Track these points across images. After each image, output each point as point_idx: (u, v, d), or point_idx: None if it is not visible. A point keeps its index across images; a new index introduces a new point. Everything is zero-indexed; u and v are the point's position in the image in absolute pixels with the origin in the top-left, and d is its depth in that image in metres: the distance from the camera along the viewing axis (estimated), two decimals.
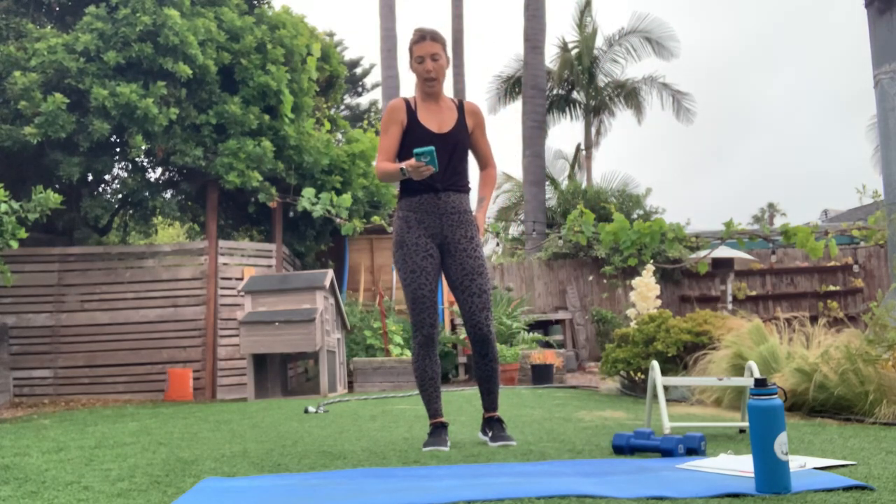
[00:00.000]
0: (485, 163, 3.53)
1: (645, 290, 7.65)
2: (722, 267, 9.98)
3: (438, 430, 3.25)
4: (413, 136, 3.27)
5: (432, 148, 3.08)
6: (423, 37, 3.28)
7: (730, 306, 10.01)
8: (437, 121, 3.32)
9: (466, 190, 3.39)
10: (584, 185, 17.56)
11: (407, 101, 3.37)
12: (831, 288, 12.19)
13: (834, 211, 21.27)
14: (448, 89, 23.05)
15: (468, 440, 3.44)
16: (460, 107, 3.40)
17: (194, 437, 3.91)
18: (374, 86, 23.31)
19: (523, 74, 16.58)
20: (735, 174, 67.61)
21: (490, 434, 3.26)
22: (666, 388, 4.55)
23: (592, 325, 11.77)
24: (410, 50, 3.31)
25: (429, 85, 3.30)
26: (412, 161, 3.08)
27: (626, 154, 53.90)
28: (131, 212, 9.82)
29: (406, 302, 3.32)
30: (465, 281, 3.28)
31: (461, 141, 3.33)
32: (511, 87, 20.54)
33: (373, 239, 10.71)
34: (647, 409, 3.62)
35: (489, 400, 3.35)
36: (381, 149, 3.32)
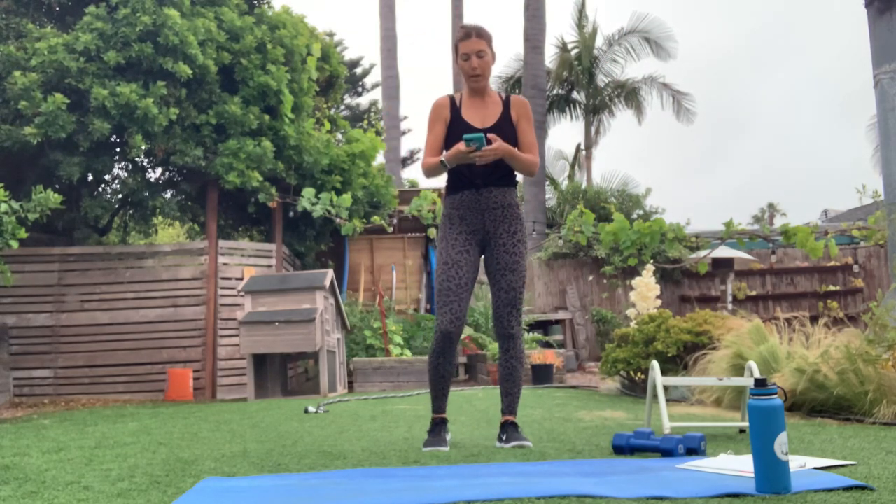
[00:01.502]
0: (527, 152, 3.42)
1: (645, 290, 7.65)
2: (722, 267, 9.99)
3: (438, 428, 3.24)
4: (456, 131, 3.25)
5: (482, 134, 3.08)
6: (469, 34, 3.28)
7: (730, 306, 10.01)
8: (481, 116, 3.31)
9: (511, 184, 3.35)
10: (584, 185, 17.56)
11: (452, 98, 3.38)
12: (831, 288, 12.19)
13: (834, 211, 21.27)
14: (448, 88, 23.04)
15: (468, 440, 3.44)
16: (506, 101, 3.38)
17: (194, 437, 3.91)
18: (374, 86, 23.31)
19: (523, 74, 16.59)
20: (735, 174, 67.63)
21: (505, 437, 3.20)
22: (666, 388, 4.55)
23: (592, 325, 11.77)
24: (456, 47, 3.31)
25: (474, 81, 3.30)
26: (460, 145, 3.09)
27: (626, 154, 53.92)
28: (131, 212, 9.81)
29: (434, 295, 3.32)
30: (496, 275, 3.28)
31: (505, 135, 3.27)
32: (511, 87, 20.54)
33: (373, 239, 10.71)
34: (647, 409, 3.62)
35: (507, 402, 3.28)
36: (426, 146, 3.34)
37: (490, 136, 3.14)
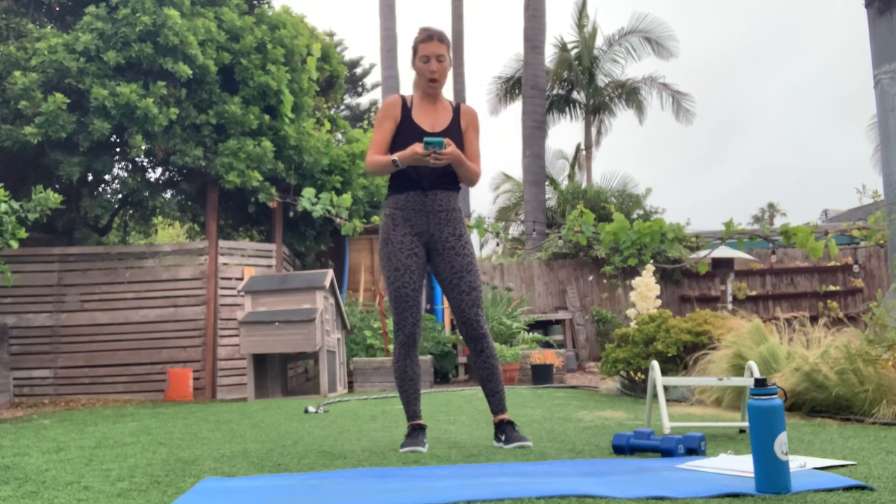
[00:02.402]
0: (472, 161, 3.45)
1: (645, 290, 7.66)
2: (722, 267, 9.98)
3: (416, 432, 3.20)
4: (405, 133, 3.26)
5: (442, 140, 3.09)
6: (431, 37, 3.28)
7: (730, 306, 10.00)
8: (431, 120, 3.31)
9: (456, 188, 3.36)
10: (584, 185, 17.56)
11: (403, 99, 3.37)
12: (831, 288, 12.19)
13: (834, 211, 21.27)
14: (448, 90, 23.01)
15: (468, 440, 3.44)
16: (456, 108, 3.39)
17: (194, 437, 3.91)
18: (374, 86, 23.30)
19: (523, 74, 16.58)
20: (735, 174, 67.62)
21: (504, 437, 3.18)
22: (666, 388, 4.55)
23: (592, 325, 11.77)
24: (415, 48, 3.31)
25: (431, 86, 3.30)
26: (417, 147, 3.09)
27: (626, 154, 53.90)
28: (131, 212, 9.82)
29: (389, 300, 3.31)
30: (454, 279, 3.26)
31: (453, 142, 3.28)
32: (511, 87, 20.54)
33: (373, 239, 10.71)
34: (647, 409, 3.62)
35: (495, 402, 3.27)
36: (373, 142, 3.31)
37: (447, 140, 3.14)
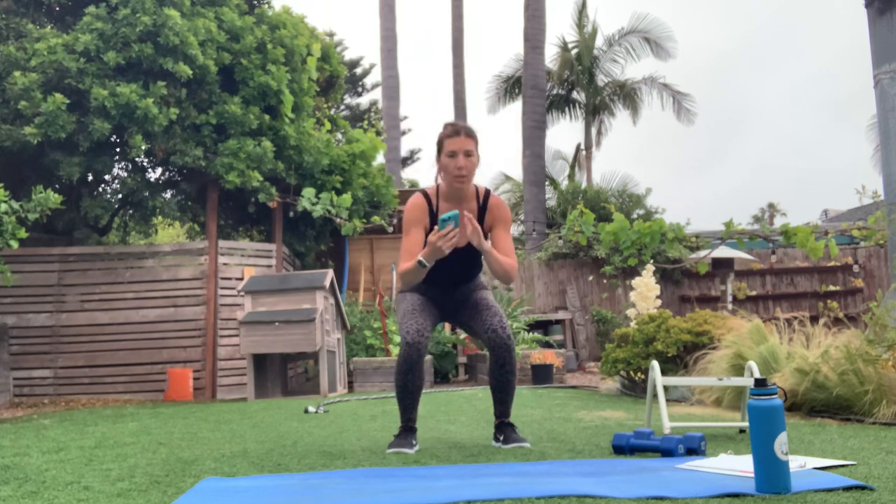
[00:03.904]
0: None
1: (645, 290, 7.66)
2: (722, 267, 9.98)
3: (406, 433, 3.19)
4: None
5: (456, 212, 2.97)
6: (458, 131, 3.15)
7: (730, 306, 10.00)
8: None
9: (478, 276, 3.36)
10: (584, 185, 17.56)
11: (428, 200, 3.22)
12: (831, 288, 12.19)
13: (834, 211, 21.28)
14: (448, 90, 22.93)
15: (468, 440, 3.44)
16: (483, 203, 3.24)
17: (194, 437, 3.91)
18: (374, 86, 23.31)
19: (523, 74, 16.59)
20: (735, 174, 67.62)
21: (503, 438, 3.20)
22: (666, 388, 4.55)
23: (592, 325, 11.77)
24: (440, 143, 3.17)
25: (459, 181, 3.14)
26: (432, 237, 2.94)
27: (626, 154, 53.92)
28: (131, 212, 9.81)
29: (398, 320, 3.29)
30: (471, 311, 3.28)
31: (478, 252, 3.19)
32: (511, 87, 20.55)
33: (373, 239, 10.71)
34: (647, 409, 3.62)
35: (501, 408, 3.27)
36: (404, 250, 3.16)
37: (463, 213, 3.02)
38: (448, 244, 2.94)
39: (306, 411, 5.22)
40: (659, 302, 7.68)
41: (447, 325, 10.10)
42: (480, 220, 3.23)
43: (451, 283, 3.28)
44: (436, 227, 2.98)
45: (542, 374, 7.96)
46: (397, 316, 3.27)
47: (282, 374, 8.03)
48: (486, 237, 3.22)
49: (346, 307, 9.24)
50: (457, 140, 3.13)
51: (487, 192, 3.28)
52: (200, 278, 8.33)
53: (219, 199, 8.66)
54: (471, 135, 3.16)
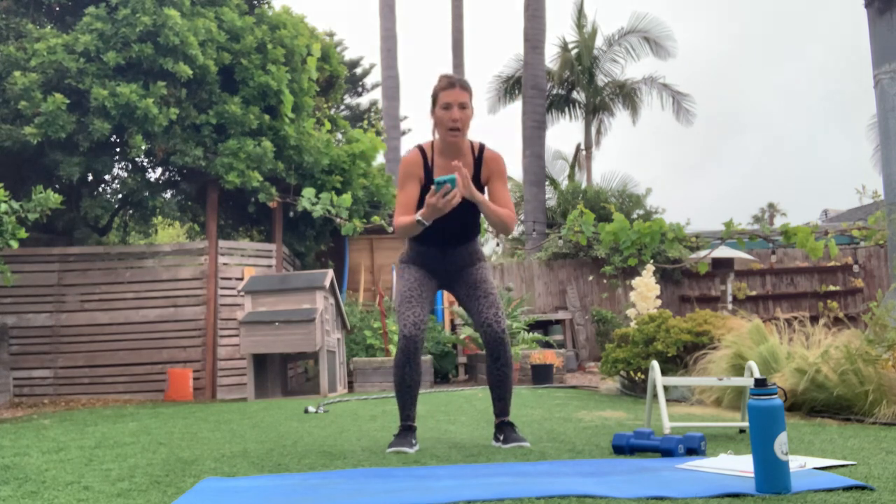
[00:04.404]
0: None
1: (645, 290, 7.65)
2: (722, 267, 9.97)
3: (405, 433, 3.19)
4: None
5: (453, 175, 2.96)
6: (452, 83, 3.15)
7: (730, 306, 10.00)
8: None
9: (475, 238, 3.35)
10: (584, 185, 17.56)
11: (423, 154, 3.23)
12: (831, 288, 12.19)
13: (834, 211, 21.28)
14: None
15: (468, 440, 3.44)
16: (479, 157, 3.25)
17: (194, 437, 3.91)
18: (374, 86, 23.30)
19: (523, 74, 16.59)
20: (735, 174, 67.59)
21: (502, 438, 3.20)
22: (666, 388, 4.55)
23: (592, 325, 11.77)
24: (435, 95, 3.17)
25: (452, 134, 3.15)
26: (430, 198, 2.95)
27: (626, 154, 53.92)
28: (131, 212, 9.81)
29: (395, 307, 3.30)
30: (469, 291, 3.28)
31: (477, 209, 3.19)
32: (511, 87, 20.54)
33: (373, 239, 10.71)
34: (647, 409, 3.62)
35: (500, 406, 3.28)
36: (399, 203, 3.18)
37: (458, 173, 2.99)
38: (448, 205, 2.96)
39: (306, 411, 5.22)
40: (659, 302, 7.68)
41: (447, 326, 10.10)
42: (476, 174, 3.24)
43: (448, 242, 3.27)
44: (432, 188, 2.98)
45: (542, 374, 7.96)
46: (395, 299, 3.29)
47: (282, 374, 8.03)
48: (482, 191, 3.24)
49: (346, 307, 9.24)
50: (451, 92, 3.14)
51: (482, 146, 3.29)
52: (200, 278, 8.33)
53: (219, 199, 8.66)
54: (465, 87, 3.17)
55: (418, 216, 3.02)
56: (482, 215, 3.24)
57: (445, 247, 3.28)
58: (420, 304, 3.21)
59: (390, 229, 9.30)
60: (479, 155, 3.26)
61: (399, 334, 3.17)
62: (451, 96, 3.14)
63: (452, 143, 3.18)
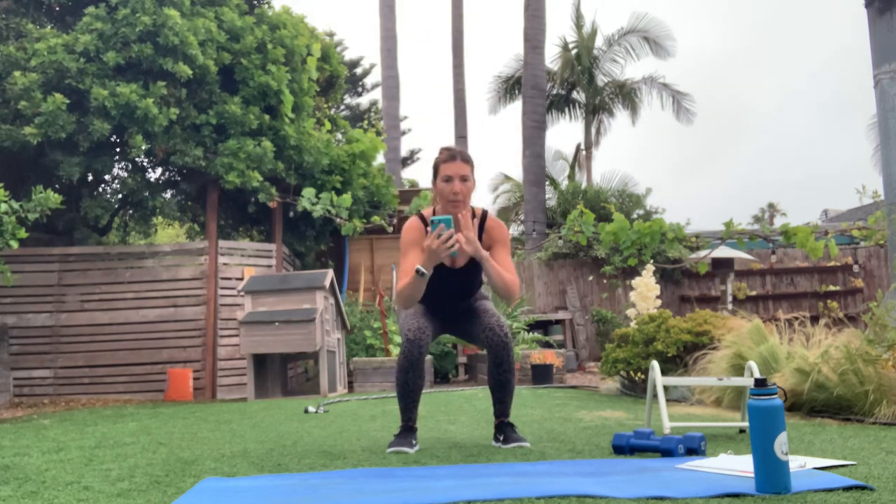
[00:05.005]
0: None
1: (645, 290, 7.65)
2: (722, 267, 9.97)
3: (406, 433, 3.19)
4: None
5: (449, 217, 2.96)
6: (454, 156, 3.15)
7: (730, 306, 10.00)
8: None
9: (477, 292, 3.37)
10: (584, 185, 17.56)
11: (424, 222, 3.21)
12: (831, 288, 12.19)
13: (834, 211, 21.28)
14: (448, 90, 23.02)
15: (468, 440, 3.44)
16: (481, 224, 3.22)
17: (194, 437, 3.91)
18: (374, 86, 23.31)
19: (523, 74, 16.58)
20: (735, 174, 67.59)
21: (502, 438, 3.20)
22: (666, 388, 4.55)
23: (592, 325, 11.77)
24: (436, 168, 3.18)
25: (454, 206, 3.12)
26: (427, 241, 2.92)
27: (626, 154, 53.92)
28: (131, 212, 9.82)
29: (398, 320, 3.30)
30: (470, 314, 3.30)
31: (476, 267, 3.19)
32: (511, 87, 20.54)
33: (373, 239, 10.71)
34: (647, 409, 3.62)
35: (501, 407, 3.28)
36: (401, 272, 3.14)
37: (458, 216, 2.99)
38: (445, 250, 2.94)
39: (306, 411, 5.22)
40: (659, 302, 7.68)
41: None
42: (478, 241, 3.19)
43: (451, 303, 3.30)
44: (431, 220, 2.98)
45: (542, 374, 7.96)
46: (399, 322, 3.28)
47: (282, 374, 8.03)
48: None
49: (346, 307, 9.24)
50: (452, 165, 3.14)
51: (485, 213, 3.26)
52: (200, 278, 8.33)
53: (219, 199, 8.66)
54: (467, 160, 3.17)
55: (417, 266, 3.00)
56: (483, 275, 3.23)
57: (446, 302, 3.30)
58: (426, 317, 3.22)
59: (390, 229, 9.31)
60: (482, 223, 3.24)
61: (403, 338, 3.15)
62: (451, 169, 3.13)
63: (454, 214, 3.15)
